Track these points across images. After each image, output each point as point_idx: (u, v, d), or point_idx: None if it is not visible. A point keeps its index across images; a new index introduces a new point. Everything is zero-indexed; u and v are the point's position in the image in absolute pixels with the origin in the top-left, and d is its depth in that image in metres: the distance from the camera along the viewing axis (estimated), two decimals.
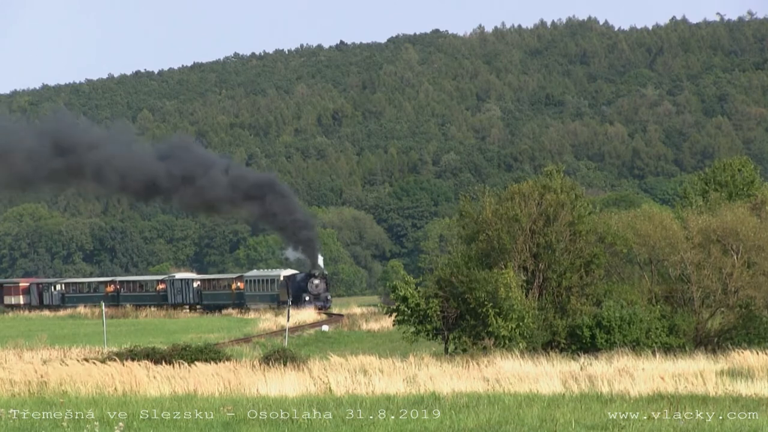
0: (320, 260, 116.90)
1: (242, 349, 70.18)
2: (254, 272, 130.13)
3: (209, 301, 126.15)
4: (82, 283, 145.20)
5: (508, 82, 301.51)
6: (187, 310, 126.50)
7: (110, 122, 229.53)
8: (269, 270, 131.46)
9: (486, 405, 38.22)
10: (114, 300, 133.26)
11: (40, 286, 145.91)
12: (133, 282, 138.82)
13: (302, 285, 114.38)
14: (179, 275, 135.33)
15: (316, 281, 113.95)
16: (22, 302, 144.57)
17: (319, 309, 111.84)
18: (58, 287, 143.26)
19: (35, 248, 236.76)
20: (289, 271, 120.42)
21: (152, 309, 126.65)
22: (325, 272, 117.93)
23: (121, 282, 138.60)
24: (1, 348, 67.78)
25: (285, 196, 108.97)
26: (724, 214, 67.12)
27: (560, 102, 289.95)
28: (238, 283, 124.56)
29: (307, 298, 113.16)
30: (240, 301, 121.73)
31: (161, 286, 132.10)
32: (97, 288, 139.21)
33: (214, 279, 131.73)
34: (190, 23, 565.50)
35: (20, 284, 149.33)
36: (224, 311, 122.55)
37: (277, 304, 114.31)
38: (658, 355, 56.74)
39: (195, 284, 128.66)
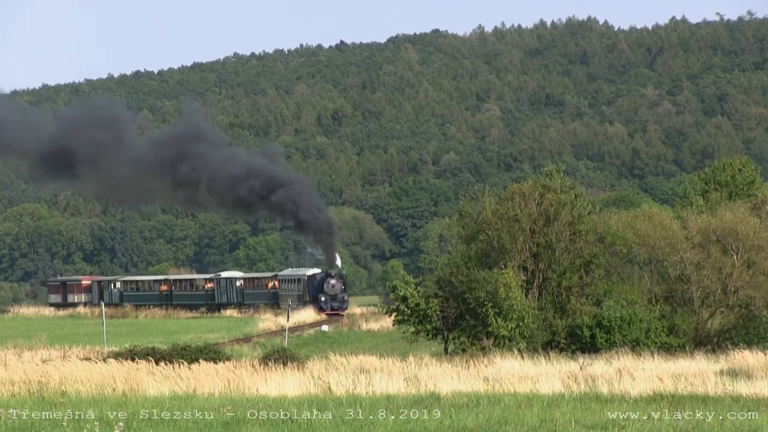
0: (338, 260, 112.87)
1: (242, 349, 70.17)
2: (287, 271, 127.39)
3: (250, 300, 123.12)
4: (140, 281, 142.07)
5: (507, 82, 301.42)
6: (233, 310, 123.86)
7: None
8: (298, 269, 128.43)
9: (486, 405, 38.23)
10: (167, 299, 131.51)
11: (101, 284, 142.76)
12: (184, 280, 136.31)
13: (320, 285, 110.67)
14: (225, 274, 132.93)
15: (333, 281, 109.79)
16: (84, 300, 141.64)
17: (335, 311, 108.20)
18: (117, 285, 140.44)
19: (35, 248, 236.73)
20: (312, 271, 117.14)
21: (202, 309, 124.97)
22: (343, 272, 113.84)
23: (174, 281, 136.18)
24: (0, 348, 67.73)
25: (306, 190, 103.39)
26: (724, 214, 67.11)
27: (560, 102, 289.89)
28: (274, 282, 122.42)
29: (323, 299, 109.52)
30: (275, 301, 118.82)
31: (209, 285, 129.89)
32: (152, 286, 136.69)
33: (255, 278, 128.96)
34: (190, 23, 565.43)
35: (82, 282, 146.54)
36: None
37: (303, 304, 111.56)
38: (657, 355, 56.74)
39: (238, 283, 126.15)
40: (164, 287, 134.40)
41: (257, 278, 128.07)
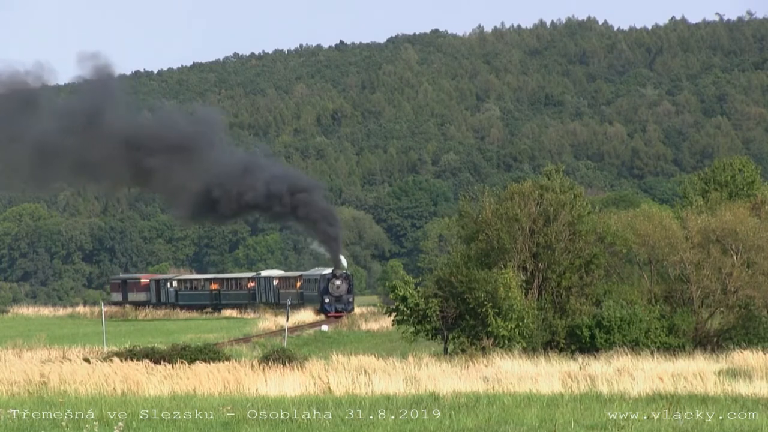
0: (343, 260, 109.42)
1: (241, 349, 70.15)
2: (311, 271, 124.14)
3: (284, 300, 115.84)
4: (194, 279, 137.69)
5: (507, 82, 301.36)
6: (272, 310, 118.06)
7: None
8: (317, 269, 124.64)
9: (485, 405, 38.24)
10: (216, 298, 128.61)
11: (159, 282, 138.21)
12: (229, 279, 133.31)
13: (326, 286, 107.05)
14: (264, 273, 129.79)
15: (338, 282, 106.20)
16: (144, 299, 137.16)
17: (339, 312, 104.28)
18: (174, 284, 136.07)
19: (34, 248, 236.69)
20: (327, 270, 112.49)
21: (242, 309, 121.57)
22: (348, 272, 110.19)
23: (221, 279, 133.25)
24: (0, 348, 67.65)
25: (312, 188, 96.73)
26: (724, 214, 67.13)
27: (560, 102, 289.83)
28: (301, 282, 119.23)
29: (327, 300, 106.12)
30: (301, 301, 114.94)
31: (251, 284, 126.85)
32: (204, 285, 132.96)
33: (288, 277, 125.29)
34: (190, 23, 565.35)
35: (141, 280, 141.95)
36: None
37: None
38: (657, 355, 56.76)
39: (275, 282, 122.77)
40: (214, 286, 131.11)
41: (290, 277, 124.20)
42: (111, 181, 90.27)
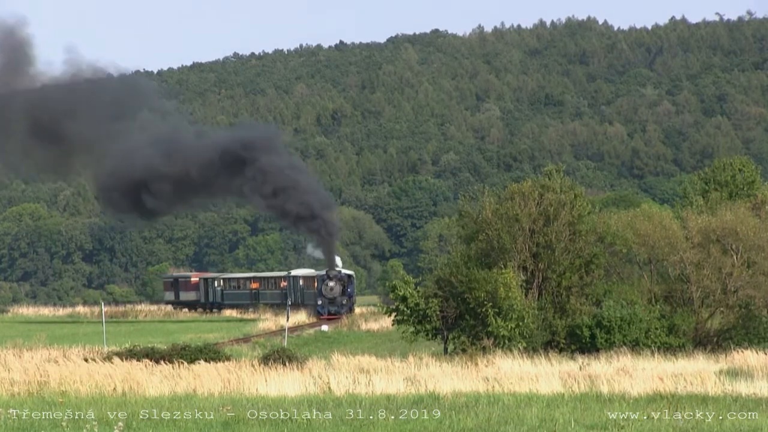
0: (338, 260, 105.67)
1: (242, 349, 70.15)
2: (323, 271, 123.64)
3: (308, 300, 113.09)
4: (238, 279, 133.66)
5: (507, 82, 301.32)
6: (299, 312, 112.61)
7: None
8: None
9: (486, 405, 38.24)
10: (256, 297, 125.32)
11: (207, 281, 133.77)
12: (267, 278, 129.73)
13: (320, 287, 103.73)
14: (294, 272, 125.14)
15: (331, 284, 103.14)
16: (194, 298, 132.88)
17: (333, 315, 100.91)
18: (221, 282, 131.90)
19: (34, 248, 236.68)
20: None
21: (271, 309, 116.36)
22: (344, 272, 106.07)
23: (260, 278, 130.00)
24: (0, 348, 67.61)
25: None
26: (724, 213, 67.15)
27: (560, 102, 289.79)
28: (317, 282, 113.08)
29: (320, 302, 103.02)
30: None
31: (284, 284, 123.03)
32: (245, 284, 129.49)
33: (311, 276, 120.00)
34: (190, 23, 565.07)
35: (191, 279, 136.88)
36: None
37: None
38: (657, 355, 56.78)
39: (301, 282, 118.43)
40: (254, 285, 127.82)
41: (312, 277, 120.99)
42: (28, 168, 79.99)
